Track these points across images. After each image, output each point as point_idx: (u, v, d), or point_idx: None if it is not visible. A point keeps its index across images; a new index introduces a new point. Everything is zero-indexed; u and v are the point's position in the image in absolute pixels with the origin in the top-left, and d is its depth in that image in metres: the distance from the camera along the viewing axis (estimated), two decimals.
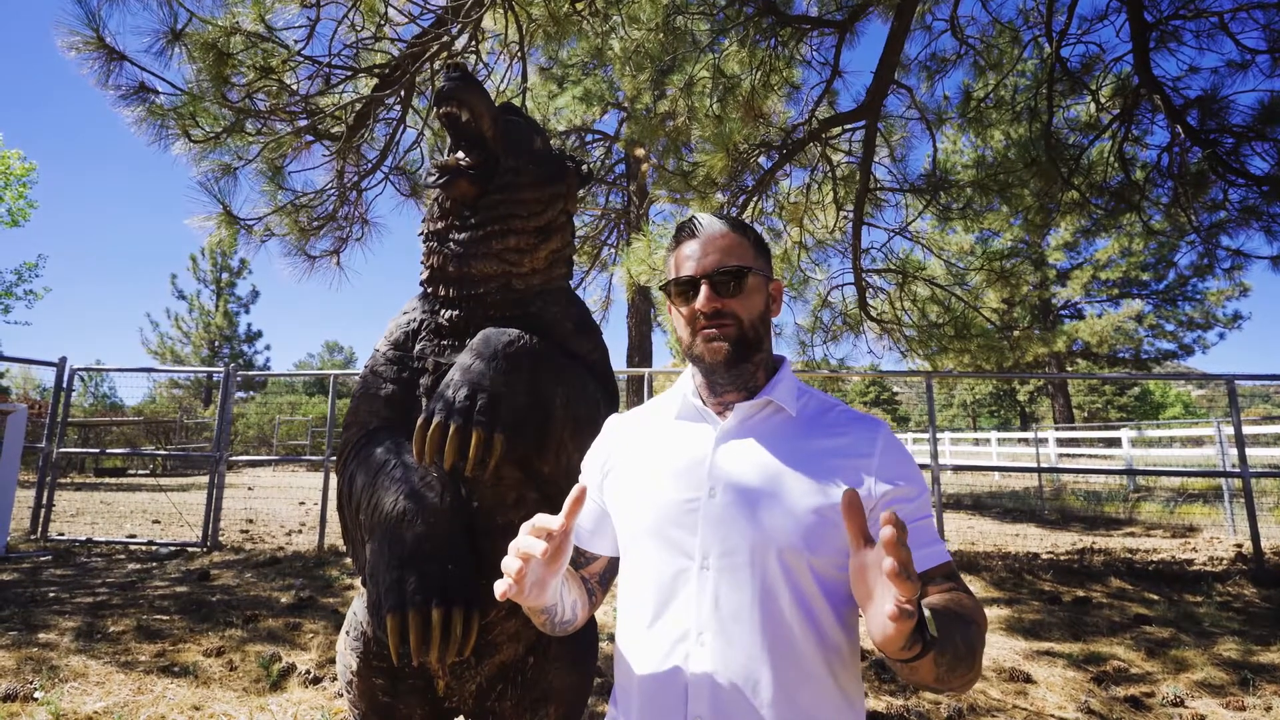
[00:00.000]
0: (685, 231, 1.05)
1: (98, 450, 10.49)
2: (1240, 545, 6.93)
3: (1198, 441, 15.04)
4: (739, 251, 1.01)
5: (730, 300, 0.99)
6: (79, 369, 7.15)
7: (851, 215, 6.09)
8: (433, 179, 1.63)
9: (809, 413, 1.00)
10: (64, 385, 6.87)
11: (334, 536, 6.67)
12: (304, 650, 3.51)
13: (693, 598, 0.90)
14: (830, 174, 6.06)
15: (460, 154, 1.65)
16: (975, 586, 5.27)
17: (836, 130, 5.84)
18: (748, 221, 1.08)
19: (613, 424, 1.16)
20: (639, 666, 0.94)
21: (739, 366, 1.00)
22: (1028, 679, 3.36)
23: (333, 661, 3.33)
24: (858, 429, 0.97)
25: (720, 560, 0.90)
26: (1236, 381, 6.27)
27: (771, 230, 6.89)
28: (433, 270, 1.68)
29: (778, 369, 1.05)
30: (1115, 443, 16.13)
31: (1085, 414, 35.76)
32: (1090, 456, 16.51)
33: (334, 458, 6.53)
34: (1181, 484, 11.11)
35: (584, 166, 1.86)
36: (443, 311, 1.65)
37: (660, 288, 1.07)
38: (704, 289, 0.98)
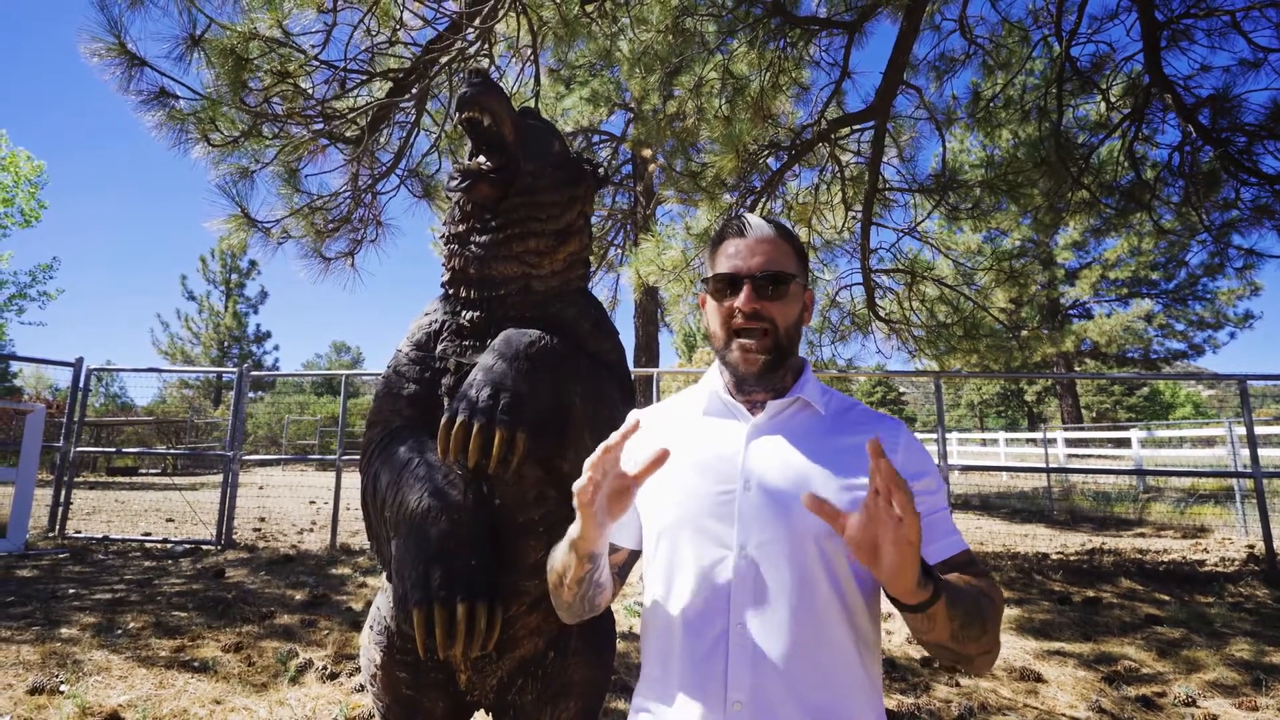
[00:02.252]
0: (732, 229, 1.05)
1: (113, 449, 10.61)
2: (1252, 546, 6.89)
3: (1209, 442, 14.94)
4: (783, 257, 1.02)
5: (770, 304, 1.00)
6: (95, 369, 7.24)
7: (860, 215, 6.10)
8: (454, 183, 1.66)
9: (833, 411, 1.05)
10: (81, 385, 6.95)
11: (345, 535, 6.73)
12: (319, 646, 3.55)
13: (732, 586, 0.93)
14: (839, 174, 6.07)
15: (481, 158, 1.68)
16: None
17: (845, 131, 5.86)
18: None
19: (635, 418, 1.17)
20: (677, 655, 0.96)
21: (774, 370, 1.03)
22: (1038, 678, 3.37)
23: (348, 657, 3.38)
24: (879, 427, 1.02)
25: (758, 550, 0.93)
26: (1248, 382, 6.24)
27: None
28: (454, 272, 1.71)
29: (801, 370, 1.09)
30: (1125, 443, 16.04)
31: (1094, 414, 35.55)
32: (1099, 457, 16.42)
33: (344, 457, 6.60)
34: (1192, 485, 11.05)
35: (600, 170, 1.89)
36: (464, 312, 1.68)
37: (701, 280, 1.09)
38: (746, 289, 0.99)
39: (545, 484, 1.56)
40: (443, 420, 1.42)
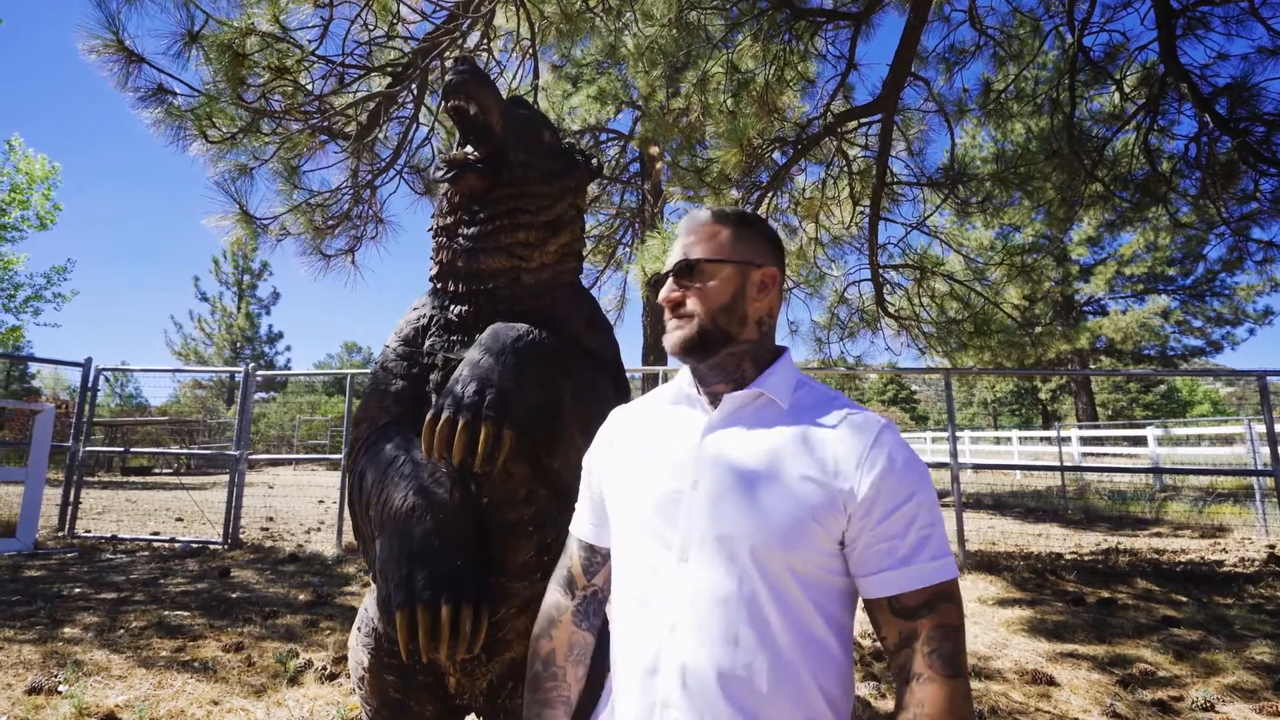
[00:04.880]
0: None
1: (123, 449, 10.71)
2: (1273, 546, 6.75)
3: (1227, 440, 14.67)
4: (702, 243, 1.00)
5: (688, 293, 0.99)
6: (105, 369, 7.29)
7: (868, 210, 6.01)
8: (441, 173, 1.62)
9: (803, 406, 0.96)
10: (90, 385, 7.00)
11: (351, 535, 6.73)
12: (321, 647, 3.54)
13: (671, 590, 0.89)
14: (846, 169, 5.99)
15: (469, 148, 1.64)
16: (996, 587, 5.18)
17: (852, 124, 5.77)
18: (760, 215, 1.08)
19: (613, 416, 1.15)
20: (620, 655, 0.95)
21: (709, 359, 0.99)
22: (1051, 681, 3.29)
23: (348, 658, 3.35)
24: (849, 426, 0.90)
25: (699, 554, 0.88)
26: (1268, 378, 6.10)
27: (787, 226, 6.84)
28: (442, 265, 1.67)
29: (770, 361, 1.02)
30: (1141, 441, 15.81)
31: (1109, 412, 35.12)
32: (1115, 455, 16.18)
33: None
34: (1211, 483, 10.85)
35: (594, 160, 1.84)
36: (452, 307, 1.64)
37: None
38: (668, 282, 1.02)
39: (535, 482, 1.51)
40: (428, 417, 1.38)
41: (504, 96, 1.73)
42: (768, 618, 0.84)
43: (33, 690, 2.76)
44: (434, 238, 1.72)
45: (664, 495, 0.93)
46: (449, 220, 1.66)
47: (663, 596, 0.90)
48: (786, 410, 0.95)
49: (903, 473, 0.86)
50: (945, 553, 0.85)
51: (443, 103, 1.63)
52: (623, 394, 1.71)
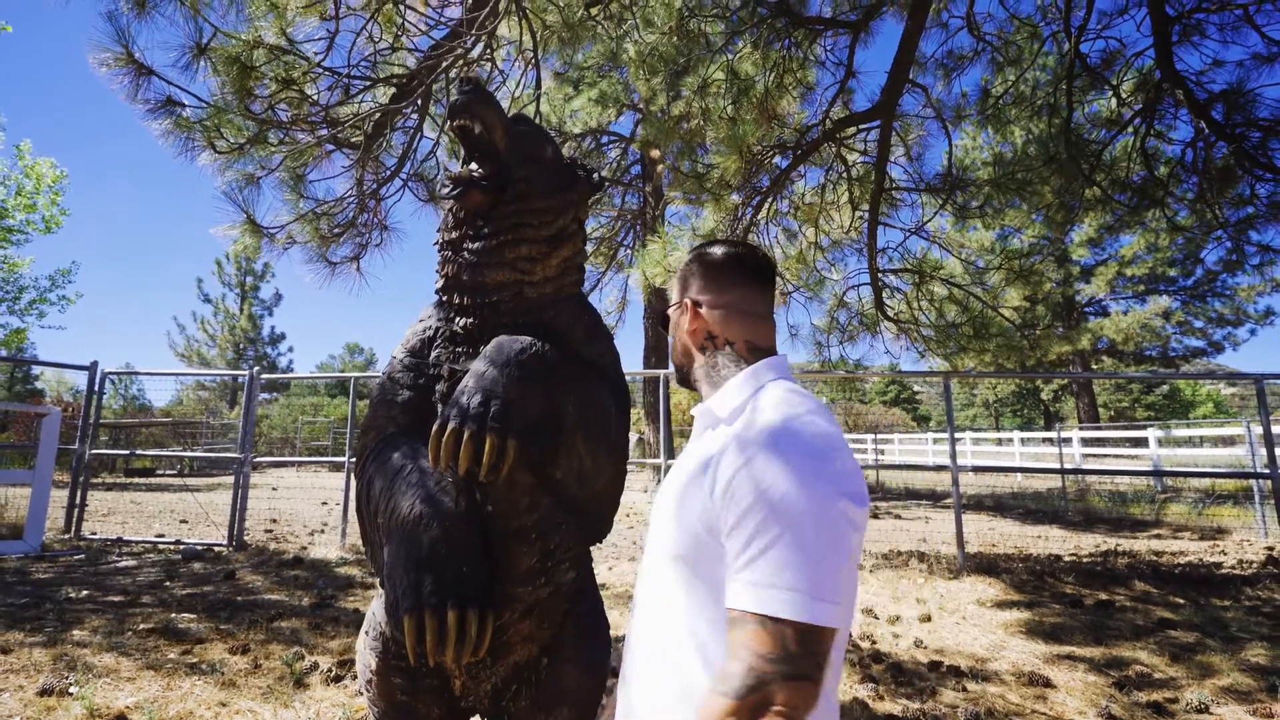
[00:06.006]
0: None
1: (128, 451, 10.76)
2: (1271, 548, 6.78)
3: (1228, 441, 14.69)
4: (671, 293, 1.17)
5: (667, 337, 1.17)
6: (109, 372, 7.35)
7: (867, 215, 6.05)
8: (447, 190, 1.67)
9: (742, 415, 0.92)
10: (95, 388, 7.06)
11: (355, 537, 6.78)
12: (326, 650, 3.58)
13: (636, 603, 1.00)
14: (845, 174, 6.04)
15: (473, 165, 1.69)
16: (995, 589, 5.22)
17: (851, 130, 5.81)
18: (698, 249, 1.19)
19: None
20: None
21: (691, 390, 1.13)
22: (1047, 683, 3.33)
23: (354, 661, 3.40)
24: (745, 426, 0.87)
25: (649, 562, 0.98)
26: (1265, 381, 6.13)
27: (787, 231, 6.88)
28: (448, 279, 1.72)
29: (725, 380, 1.04)
30: (1142, 442, 15.82)
31: (1111, 413, 35.08)
32: (1116, 457, 16.20)
33: (354, 459, 6.64)
34: (1211, 485, 10.87)
35: (595, 175, 1.89)
36: (457, 319, 1.69)
37: None
38: None
39: (538, 490, 1.56)
40: (434, 427, 1.42)
41: (506, 111, 1.78)
42: (684, 628, 0.87)
43: (44, 692, 2.81)
44: (440, 251, 1.77)
45: (657, 514, 1.03)
46: (454, 235, 1.71)
47: (635, 609, 1.01)
48: (725, 419, 0.95)
49: (755, 473, 0.79)
50: (785, 583, 0.72)
51: (448, 121, 1.69)
52: (622, 404, 1.75)
